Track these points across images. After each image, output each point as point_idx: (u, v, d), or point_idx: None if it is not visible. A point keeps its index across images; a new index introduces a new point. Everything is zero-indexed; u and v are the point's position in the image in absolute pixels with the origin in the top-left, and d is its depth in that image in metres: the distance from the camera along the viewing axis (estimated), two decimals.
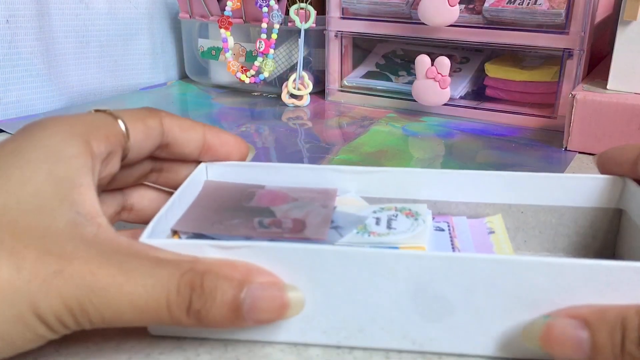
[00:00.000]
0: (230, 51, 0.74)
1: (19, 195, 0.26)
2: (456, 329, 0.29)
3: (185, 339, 0.31)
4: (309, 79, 0.73)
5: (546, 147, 0.58)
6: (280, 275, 0.29)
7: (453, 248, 0.34)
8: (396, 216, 0.34)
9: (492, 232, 0.35)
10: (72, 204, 0.27)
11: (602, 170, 0.36)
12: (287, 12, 0.71)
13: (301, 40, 0.71)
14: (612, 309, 0.26)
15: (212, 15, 0.75)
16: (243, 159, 0.37)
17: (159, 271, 0.26)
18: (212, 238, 0.31)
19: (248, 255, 0.28)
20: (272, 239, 0.31)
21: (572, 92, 0.55)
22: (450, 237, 0.35)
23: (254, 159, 0.39)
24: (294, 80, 0.73)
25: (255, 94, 0.78)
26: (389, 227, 0.33)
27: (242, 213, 0.34)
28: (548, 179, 0.37)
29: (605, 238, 0.37)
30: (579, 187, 0.37)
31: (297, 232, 0.31)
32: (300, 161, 0.55)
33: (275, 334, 0.30)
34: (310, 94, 0.73)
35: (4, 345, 0.26)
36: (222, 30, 0.73)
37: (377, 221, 0.33)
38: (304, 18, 0.71)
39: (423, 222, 0.33)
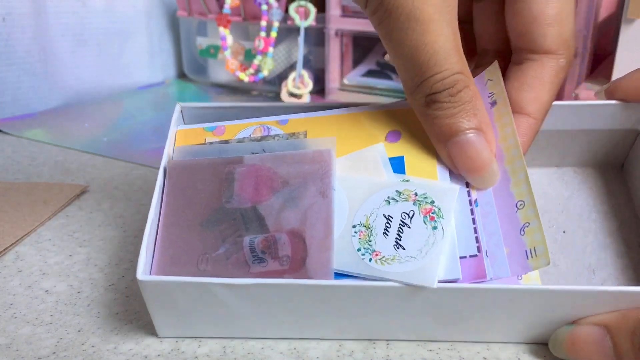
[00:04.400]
0: (229, 49, 0.73)
1: None
2: (468, 328, 0.30)
3: (184, 341, 0.30)
4: (308, 77, 0.72)
5: None
6: (291, 304, 0.28)
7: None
8: (412, 216, 0.29)
9: (494, 104, 0.31)
10: None
11: (616, 99, 0.34)
12: (286, 10, 0.71)
13: (301, 39, 0.71)
14: (632, 313, 0.26)
15: (210, 13, 0.75)
16: None
17: (452, 55, 0.28)
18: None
19: (257, 291, 0.28)
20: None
21: (575, 91, 0.55)
22: None
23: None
24: (294, 79, 0.72)
25: (254, 92, 0.77)
26: (397, 242, 0.29)
27: (224, 226, 0.30)
28: (563, 107, 0.34)
29: (617, 153, 0.36)
30: (595, 113, 0.34)
31: (298, 268, 0.29)
32: None
33: (289, 334, 0.30)
34: (309, 92, 0.73)
35: None
36: (221, 29, 0.72)
37: (387, 226, 0.29)
38: (303, 16, 0.70)
39: (442, 235, 0.29)
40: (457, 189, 0.30)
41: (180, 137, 0.34)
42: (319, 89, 0.75)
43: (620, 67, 0.55)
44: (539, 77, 0.30)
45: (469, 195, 0.30)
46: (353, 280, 0.28)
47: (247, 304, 0.28)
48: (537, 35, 0.30)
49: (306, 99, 0.72)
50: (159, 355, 0.29)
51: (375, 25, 0.28)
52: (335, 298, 0.28)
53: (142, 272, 0.28)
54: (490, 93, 0.31)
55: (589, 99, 0.53)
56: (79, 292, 0.35)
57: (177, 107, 0.35)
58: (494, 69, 0.31)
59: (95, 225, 0.42)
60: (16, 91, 0.67)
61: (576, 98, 0.54)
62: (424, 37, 0.27)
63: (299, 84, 0.72)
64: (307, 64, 0.74)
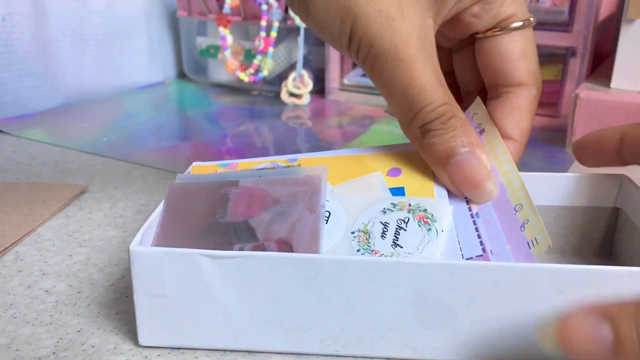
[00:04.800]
0: (229, 49, 0.73)
1: None
2: (458, 336, 0.28)
3: None
4: (308, 77, 0.72)
5: (549, 147, 0.57)
6: (276, 284, 0.28)
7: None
8: (407, 221, 0.30)
9: (482, 132, 0.34)
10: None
11: (580, 158, 0.36)
12: (286, 10, 0.71)
13: (301, 39, 0.71)
14: (632, 300, 0.24)
15: (210, 13, 0.75)
16: None
17: (438, 88, 0.31)
18: None
19: (242, 266, 0.28)
20: None
21: (576, 91, 0.55)
22: None
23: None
24: (294, 78, 0.72)
25: (254, 92, 0.77)
26: (395, 242, 0.30)
27: (217, 237, 0.30)
28: (543, 178, 0.36)
29: (602, 237, 0.37)
30: (575, 186, 0.36)
31: None
32: None
33: (272, 344, 0.29)
34: (309, 92, 0.73)
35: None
36: (221, 28, 0.72)
37: (384, 230, 0.30)
38: None
39: (436, 234, 0.30)
40: (451, 206, 0.31)
41: (195, 172, 0.36)
42: (319, 89, 0.75)
43: (620, 67, 0.55)
44: (517, 107, 0.34)
45: (470, 210, 0.32)
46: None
47: (232, 284, 0.28)
48: (509, 70, 0.34)
49: (306, 98, 0.72)
50: (159, 355, 0.29)
51: (367, 71, 0.32)
52: (320, 280, 0.28)
53: (136, 243, 0.28)
54: (478, 124, 0.34)
55: (589, 99, 0.53)
56: (79, 292, 0.35)
57: (194, 165, 0.37)
58: (478, 103, 0.34)
59: (95, 225, 0.42)
60: (16, 91, 0.67)
61: (577, 98, 0.54)
62: (410, 74, 0.30)
63: (299, 84, 0.72)
64: (307, 64, 0.74)
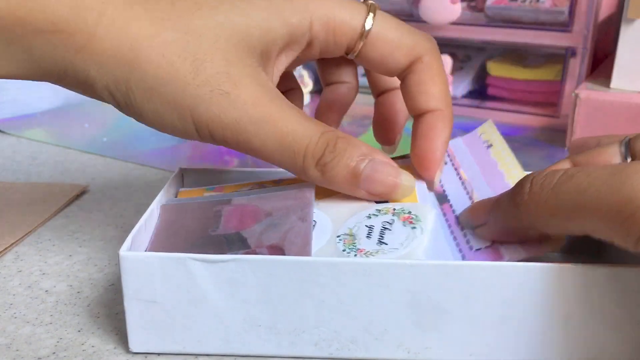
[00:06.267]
0: None
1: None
2: (452, 337, 0.28)
3: None
4: (308, 77, 0.72)
5: (549, 147, 0.57)
6: (269, 288, 0.28)
7: (461, 181, 0.34)
8: (392, 223, 0.31)
9: (490, 146, 0.34)
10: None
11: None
12: None
13: None
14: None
15: None
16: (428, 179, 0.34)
17: (308, 124, 0.30)
18: None
19: (235, 270, 0.28)
20: None
21: (576, 91, 0.55)
22: (454, 167, 0.35)
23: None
24: None
25: None
26: (380, 241, 0.30)
27: (209, 248, 0.30)
28: None
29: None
30: None
31: None
32: None
33: (265, 348, 0.29)
34: (309, 92, 0.73)
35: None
36: None
37: (369, 232, 0.30)
38: None
39: (421, 231, 0.30)
40: (434, 210, 0.31)
41: (182, 196, 0.36)
42: (319, 88, 0.74)
43: (620, 67, 0.55)
44: (418, 81, 0.33)
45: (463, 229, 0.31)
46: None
47: (224, 288, 0.28)
48: (392, 59, 0.33)
49: (306, 98, 0.72)
50: (158, 355, 0.29)
51: (235, 149, 0.31)
52: (312, 282, 0.28)
53: (125, 249, 0.28)
54: (485, 140, 0.35)
55: (589, 98, 0.53)
56: (79, 292, 0.35)
57: (181, 191, 0.37)
58: (488, 124, 0.35)
59: (95, 225, 0.42)
60: (16, 91, 0.67)
61: (577, 98, 0.54)
62: (275, 128, 0.30)
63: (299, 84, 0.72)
64: (307, 64, 0.74)
